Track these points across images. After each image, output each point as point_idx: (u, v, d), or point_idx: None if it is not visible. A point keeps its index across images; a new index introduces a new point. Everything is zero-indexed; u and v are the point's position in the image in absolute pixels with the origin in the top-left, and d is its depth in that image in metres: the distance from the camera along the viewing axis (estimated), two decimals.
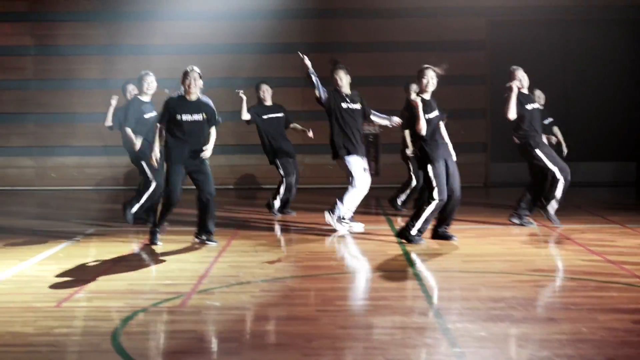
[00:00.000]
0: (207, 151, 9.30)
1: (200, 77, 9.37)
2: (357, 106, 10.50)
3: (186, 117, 9.28)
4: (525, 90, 10.63)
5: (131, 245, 9.56)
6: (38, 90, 16.71)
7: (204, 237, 9.52)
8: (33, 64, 16.75)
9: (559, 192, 10.57)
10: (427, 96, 9.54)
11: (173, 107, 9.33)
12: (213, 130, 9.43)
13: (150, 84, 10.97)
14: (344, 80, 10.47)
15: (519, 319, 6.20)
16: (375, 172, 16.41)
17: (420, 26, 16.63)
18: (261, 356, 5.34)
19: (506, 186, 16.22)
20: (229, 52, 16.50)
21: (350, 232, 10.30)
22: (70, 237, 10.17)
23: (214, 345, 5.70)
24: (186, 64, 15.88)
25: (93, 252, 9.24)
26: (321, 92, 10.38)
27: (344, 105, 10.43)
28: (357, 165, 10.36)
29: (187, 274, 8.05)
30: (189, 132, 9.30)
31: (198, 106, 9.39)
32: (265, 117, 12.18)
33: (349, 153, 10.35)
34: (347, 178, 10.45)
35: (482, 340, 5.67)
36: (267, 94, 12.31)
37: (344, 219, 10.45)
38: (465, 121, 15.18)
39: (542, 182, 10.64)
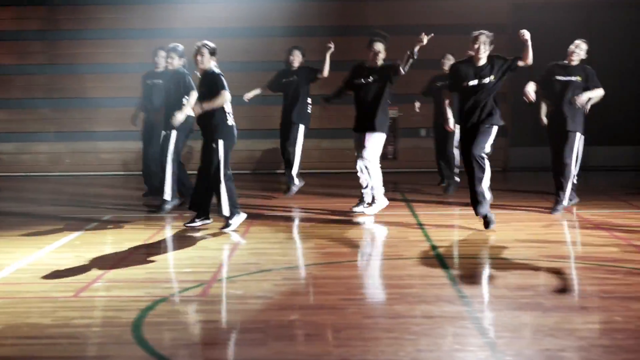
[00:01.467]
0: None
1: (201, 52, 9.18)
2: (370, 79, 10.37)
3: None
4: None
5: (148, 232, 9.39)
6: (52, 75, 16.53)
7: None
8: (47, 48, 16.56)
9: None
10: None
11: None
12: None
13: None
14: (372, 55, 10.42)
15: (549, 308, 6.01)
16: (393, 156, 16.24)
17: (442, 8, 16.37)
18: (288, 347, 5.18)
19: (525, 171, 16.07)
20: (247, 36, 16.27)
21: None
22: (87, 224, 10.03)
23: (239, 335, 5.53)
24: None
25: (110, 239, 9.09)
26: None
27: (356, 81, 10.44)
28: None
29: (207, 261, 7.89)
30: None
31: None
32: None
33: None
34: None
35: (514, 330, 5.50)
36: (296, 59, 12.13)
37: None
38: None
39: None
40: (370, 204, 10.50)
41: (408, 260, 7.90)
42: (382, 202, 10.50)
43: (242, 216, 9.41)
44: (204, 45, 9.17)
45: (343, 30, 16.26)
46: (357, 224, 9.97)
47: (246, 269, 7.40)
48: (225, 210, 9.20)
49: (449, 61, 12.21)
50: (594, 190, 13.10)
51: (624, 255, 7.88)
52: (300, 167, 12.11)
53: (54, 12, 16.53)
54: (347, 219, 10.21)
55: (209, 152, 9.16)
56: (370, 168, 10.26)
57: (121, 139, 15.89)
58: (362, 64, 10.47)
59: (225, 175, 9.14)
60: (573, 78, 10.30)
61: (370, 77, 10.32)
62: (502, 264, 7.73)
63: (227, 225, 9.28)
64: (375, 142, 10.28)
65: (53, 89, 16.53)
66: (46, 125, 16.61)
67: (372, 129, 10.24)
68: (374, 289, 6.70)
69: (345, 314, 5.90)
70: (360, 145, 10.34)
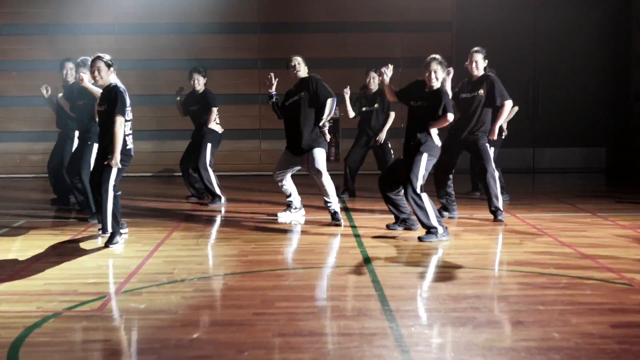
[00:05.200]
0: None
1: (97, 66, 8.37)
2: (296, 97, 9.58)
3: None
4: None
5: (59, 239, 8.68)
6: None
7: None
8: None
9: None
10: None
11: None
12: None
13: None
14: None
15: (482, 323, 5.46)
16: (335, 159, 15.65)
17: (385, 6, 15.78)
18: None
19: None
20: (179, 32, 15.60)
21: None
22: None
23: (128, 357, 4.90)
24: (133, 44, 15.30)
25: (16, 247, 8.36)
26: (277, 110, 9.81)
27: (286, 103, 9.73)
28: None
29: (116, 270, 7.26)
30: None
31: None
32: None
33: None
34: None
35: (439, 350, 4.93)
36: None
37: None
38: None
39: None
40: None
41: (335, 269, 7.36)
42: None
43: (124, 236, 8.64)
44: (99, 59, 8.37)
45: (281, 27, 15.70)
46: (288, 229, 9.39)
47: (156, 280, 6.75)
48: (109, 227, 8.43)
49: (374, 80, 11.73)
50: (540, 193, 12.63)
51: (568, 262, 7.36)
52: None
53: None
54: (277, 225, 9.62)
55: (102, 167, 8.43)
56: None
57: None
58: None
59: (114, 190, 8.38)
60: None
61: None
62: (436, 272, 7.23)
63: (111, 241, 8.33)
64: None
65: None
66: None
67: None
68: (292, 301, 6.05)
69: (254, 331, 5.29)
70: None
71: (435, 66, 8.59)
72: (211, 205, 11.17)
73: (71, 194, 10.89)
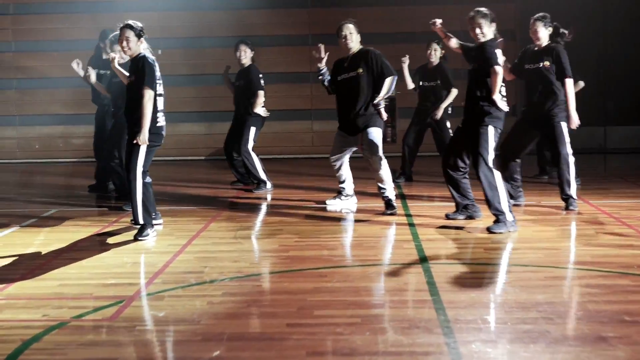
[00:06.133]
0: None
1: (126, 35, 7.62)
2: (353, 73, 8.72)
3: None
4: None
5: (88, 231, 7.98)
6: (18, 53, 15.06)
7: None
8: (12, 23, 15.10)
9: None
10: None
11: None
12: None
13: None
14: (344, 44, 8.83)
15: (556, 339, 4.58)
16: (392, 139, 14.75)
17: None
18: None
19: None
20: (226, 8, 14.81)
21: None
22: (24, 220, 8.65)
23: None
24: (178, 20, 14.57)
25: (39, 240, 7.68)
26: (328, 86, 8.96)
27: (338, 77, 8.85)
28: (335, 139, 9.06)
29: (143, 268, 6.52)
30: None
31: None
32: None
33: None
34: None
35: None
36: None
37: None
38: None
39: None
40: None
41: (386, 268, 6.49)
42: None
43: (157, 227, 7.93)
44: (128, 27, 7.61)
45: (333, 1, 14.84)
46: (336, 220, 8.58)
47: (184, 280, 5.99)
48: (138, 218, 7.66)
49: (436, 52, 10.93)
50: (614, 176, 11.62)
51: None
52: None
53: None
54: (325, 215, 8.81)
55: (130, 149, 7.66)
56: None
57: (85, 122, 14.09)
58: None
59: (142, 177, 7.63)
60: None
61: None
62: (501, 272, 6.34)
63: (141, 234, 7.58)
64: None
65: (18, 69, 15.08)
66: (12, 108, 15.18)
67: None
68: (332, 309, 5.23)
69: (285, 348, 4.49)
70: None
71: (479, 19, 7.68)
72: (256, 191, 10.40)
73: (110, 180, 10.22)
